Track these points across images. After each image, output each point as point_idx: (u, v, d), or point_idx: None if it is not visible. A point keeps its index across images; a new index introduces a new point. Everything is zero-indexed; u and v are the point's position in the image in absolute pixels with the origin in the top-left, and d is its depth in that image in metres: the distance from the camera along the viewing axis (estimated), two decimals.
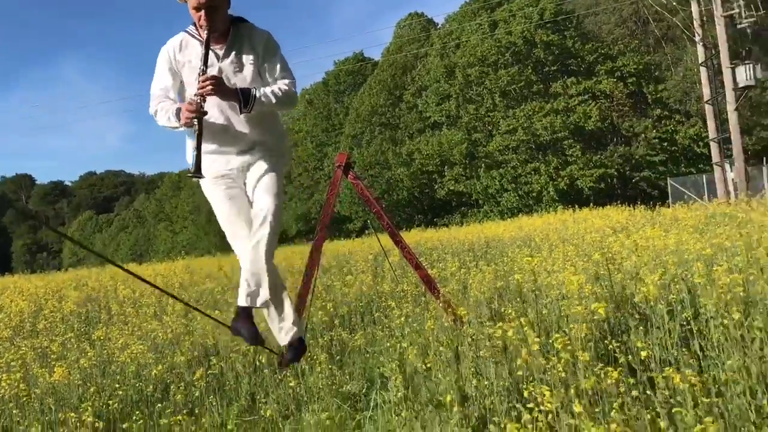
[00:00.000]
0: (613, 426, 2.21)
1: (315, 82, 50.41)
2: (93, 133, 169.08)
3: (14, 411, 4.93)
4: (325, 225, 6.68)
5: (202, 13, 3.21)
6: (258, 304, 3.37)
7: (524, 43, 36.51)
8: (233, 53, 3.37)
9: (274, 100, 3.29)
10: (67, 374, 5.56)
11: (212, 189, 3.47)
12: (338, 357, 6.22)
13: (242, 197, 3.45)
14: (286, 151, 3.72)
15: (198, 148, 3.21)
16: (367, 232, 35.87)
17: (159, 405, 4.96)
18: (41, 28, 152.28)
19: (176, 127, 3.33)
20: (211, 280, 11.39)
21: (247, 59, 3.37)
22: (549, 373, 2.76)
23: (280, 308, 3.51)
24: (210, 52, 3.30)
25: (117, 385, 5.67)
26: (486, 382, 3.18)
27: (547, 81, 37.04)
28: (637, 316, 3.66)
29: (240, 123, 3.38)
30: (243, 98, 3.22)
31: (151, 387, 5.56)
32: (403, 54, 41.85)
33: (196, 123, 3.19)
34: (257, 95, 3.25)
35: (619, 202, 23.02)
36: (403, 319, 6.33)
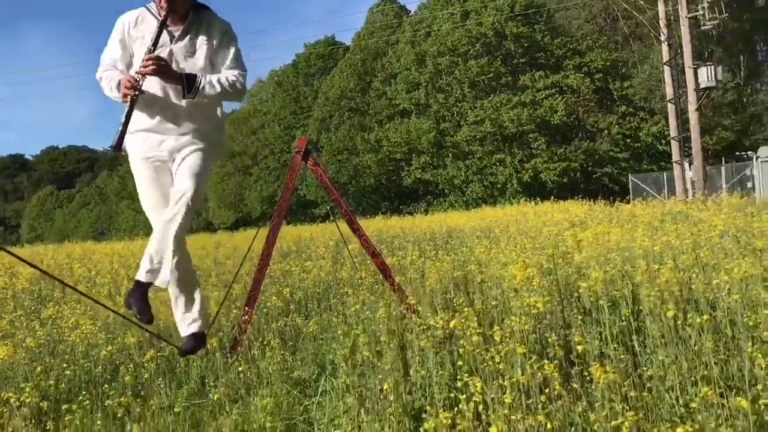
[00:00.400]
0: (540, 418, 2.29)
1: (285, 64, 50.02)
2: (56, 107, 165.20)
3: None
4: (283, 210, 6.67)
5: None
6: (156, 282, 3.31)
7: (494, 35, 36.67)
8: (188, 37, 3.37)
9: (219, 89, 3.29)
10: (13, 353, 5.48)
11: (140, 168, 3.46)
12: (291, 343, 6.25)
13: (168, 182, 3.45)
14: (222, 142, 3.69)
15: (125, 125, 3.21)
16: (331, 218, 35.86)
17: (106, 386, 4.93)
18: None
19: (117, 98, 3.30)
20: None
21: (201, 46, 3.38)
22: (486, 364, 2.83)
23: (189, 299, 3.54)
24: (165, 33, 3.30)
25: (65, 365, 5.62)
26: (425, 372, 3.24)
27: (515, 73, 37.29)
28: (579, 311, 3.75)
29: (180, 107, 3.37)
30: (187, 84, 3.23)
31: (99, 367, 5.52)
32: (374, 40, 41.70)
33: (130, 99, 3.19)
34: (202, 83, 3.25)
35: (580, 196, 23.41)
36: (357, 306, 6.37)
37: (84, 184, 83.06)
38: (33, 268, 3.65)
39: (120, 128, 3.20)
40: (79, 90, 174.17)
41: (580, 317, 3.69)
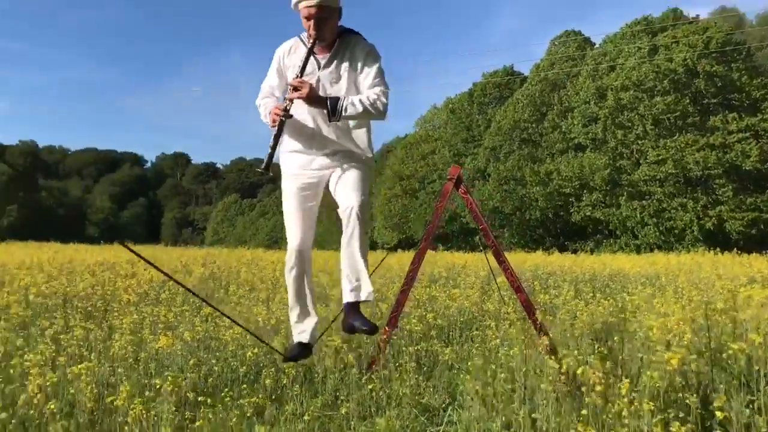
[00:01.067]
0: None
1: (461, 92, 50.48)
2: (247, 120, 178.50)
3: (119, 370, 5.35)
4: (430, 234, 6.68)
5: (312, 23, 3.37)
6: (363, 298, 3.47)
7: (685, 72, 34.53)
8: (334, 64, 3.50)
9: (360, 109, 3.36)
10: (172, 344, 5.94)
11: (289, 183, 3.65)
12: (426, 368, 6.20)
13: (312, 198, 3.61)
14: (369, 163, 3.73)
15: (273, 148, 3.39)
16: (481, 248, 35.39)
17: (245, 386, 5.17)
18: (211, 18, 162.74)
19: (268, 124, 3.49)
20: (324, 275, 11.69)
21: (346, 70, 3.49)
22: (609, 415, 2.61)
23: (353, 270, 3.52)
24: (313, 60, 3.46)
25: (214, 361, 5.99)
26: (547, 415, 3.05)
27: (705, 113, 34.80)
28: (727, 374, 3.36)
29: (327, 129, 3.52)
30: (331, 108, 3.34)
31: (244, 368, 5.81)
32: (554, 71, 40.93)
33: (279, 124, 3.37)
34: (345, 104, 3.35)
35: None
36: (497, 341, 6.21)
37: (265, 195, 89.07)
38: (152, 266, 3.93)
39: (269, 151, 3.40)
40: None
41: (727, 381, 3.30)
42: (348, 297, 3.46)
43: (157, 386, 4.68)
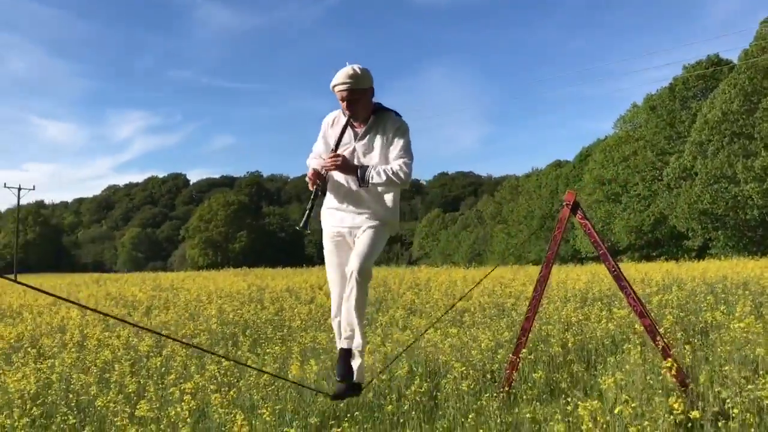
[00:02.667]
0: None
1: (660, 88, 47.34)
2: (448, 135, 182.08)
3: (255, 396, 6.22)
4: (550, 261, 6.80)
5: (345, 104, 3.97)
6: (353, 347, 4.10)
7: None
8: (368, 137, 4.06)
9: (384, 178, 3.88)
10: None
11: (326, 242, 4.25)
12: (545, 396, 6.34)
13: (345, 251, 4.15)
14: (394, 223, 4.22)
15: (310, 209, 4.00)
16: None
17: (365, 412, 5.73)
18: (411, 37, 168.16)
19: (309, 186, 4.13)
20: (489, 295, 11.93)
21: (377, 143, 4.04)
22: None
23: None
24: (351, 132, 4.07)
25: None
26: None
27: None
28: None
29: (358, 193, 4.09)
30: (360, 176, 3.91)
31: (371, 394, 6.40)
32: (765, 56, 36.99)
33: (315, 187, 4.01)
34: (371, 173, 3.89)
35: None
36: (626, 368, 6.18)
37: (466, 208, 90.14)
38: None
39: (307, 211, 4.02)
40: (470, 120, 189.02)
41: None
42: (342, 344, 4.12)
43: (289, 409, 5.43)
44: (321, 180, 4.05)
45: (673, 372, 5.77)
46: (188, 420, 5.35)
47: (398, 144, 3.98)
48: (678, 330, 8.30)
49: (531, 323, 6.89)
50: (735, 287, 12.75)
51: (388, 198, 4.13)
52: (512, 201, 67.37)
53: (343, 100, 3.96)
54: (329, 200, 4.22)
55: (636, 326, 8.55)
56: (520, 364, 6.81)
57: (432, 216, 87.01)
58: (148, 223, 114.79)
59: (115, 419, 5.47)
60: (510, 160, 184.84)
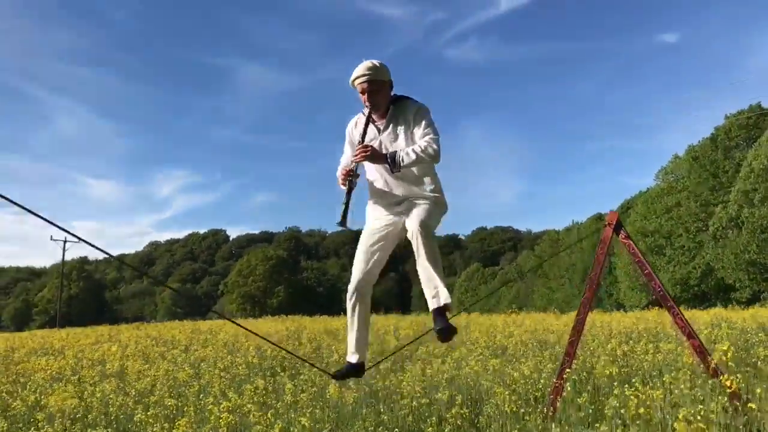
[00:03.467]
0: None
1: (702, 138, 46.81)
2: (487, 191, 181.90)
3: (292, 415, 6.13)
4: (594, 282, 6.64)
5: (365, 96, 4.02)
6: (442, 302, 3.90)
7: None
8: (391, 126, 4.08)
9: (414, 157, 3.86)
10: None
11: (368, 222, 4.23)
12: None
13: (380, 244, 4.14)
14: (441, 200, 4.18)
15: (346, 204, 3.97)
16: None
17: None
18: (449, 96, 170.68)
19: (341, 185, 4.12)
20: (532, 332, 11.71)
21: (401, 130, 4.05)
22: None
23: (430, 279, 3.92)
24: (374, 127, 4.11)
25: (382, 409, 6.53)
26: None
27: None
28: None
29: (396, 183, 4.10)
30: (391, 161, 3.89)
31: (410, 417, 6.27)
32: None
33: (348, 183, 4.00)
34: (401, 156, 3.88)
35: None
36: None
37: (506, 262, 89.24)
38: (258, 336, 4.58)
39: (343, 207, 4.01)
40: (509, 174, 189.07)
41: None
42: (431, 304, 3.92)
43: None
44: (352, 175, 4.05)
45: (727, 384, 5.53)
46: None
47: (421, 124, 3.98)
48: (729, 361, 7.98)
49: (575, 347, 6.69)
50: None
51: (427, 180, 4.12)
52: (553, 254, 66.50)
53: (363, 92, 4.02)
54: (372, 198, 4.25)
55: (684, 359, 8.28)
56: (565, 391, 6.62)
57: (471, 270, 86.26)
58: (188, 279, 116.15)
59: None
60: (549, 215, 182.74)
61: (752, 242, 35.74)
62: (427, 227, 3.88)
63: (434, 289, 3.90)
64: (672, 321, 6.28)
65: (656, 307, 34.02)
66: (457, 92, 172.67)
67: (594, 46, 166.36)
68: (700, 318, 15.64)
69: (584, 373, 7.62)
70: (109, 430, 5.96)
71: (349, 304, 4.24)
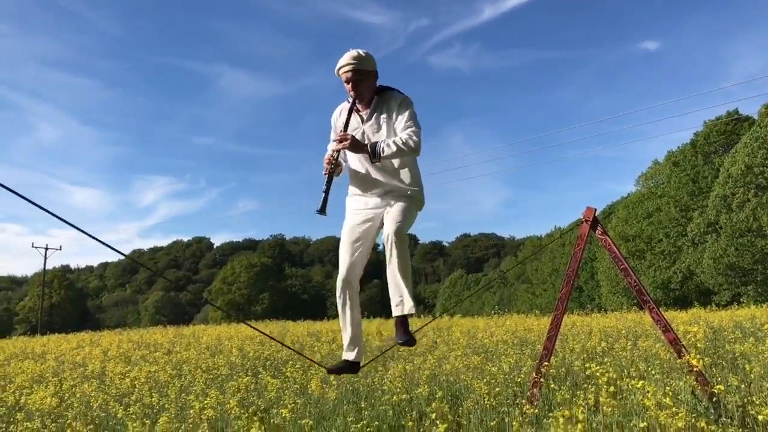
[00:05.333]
0: None
1: (683, 144, 47.40)
2: (469, 197, 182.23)
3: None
4: (570, 279, 6.76)
5: (350, 85, 4.06)
6: (405, 312, 3.97)
7: None
8: (374, 117, 4.13)
9: (395, 148, 3.90)
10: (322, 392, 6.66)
11: (347, 217, 4.25)
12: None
13: (363, 236, 4.17)
14: (419, 197, 4.22)
15: (326, 192, 4.00)
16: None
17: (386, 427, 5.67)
18: (433, 103, 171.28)
19: (323, 173, 4.15)
20: (512, 333, 11.81)
21: (384, 120, 4.09)
22: None
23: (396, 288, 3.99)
24: (358, 117, 4.14)
25: (362, 405, 6.58)
26: None
27: None
28: None
29: (376, 173, 4.13)
30: (371, 151, 3.93)
31: (391, 412, 6.33)
32: None
33: (328, 171, 4.04)
34: (382, 147, 3.92)
35: None
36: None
37: (489, 269, 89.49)
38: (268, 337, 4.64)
39: (323, 195, 4.05)
40: (492, 181, 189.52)
41: None
42: (395, 311, 3.98)
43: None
44: (334, 164, 4.08)
45: (697, 367, 5.65)
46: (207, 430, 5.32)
47: (404, 116, 4.02)
48: (704, 357, 8.12)
49: (554, 342, 6.80)
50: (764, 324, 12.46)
51: (405, 173, 4.16)
52: (536, 260, 66.80)
53: (348, 81, 4.05)
54: (351, 188, 4.28)
55: (662, 354, 8.42)
56: (543, 385, 6.72)
57: (455, 277, 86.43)
58: (171, 287, 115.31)
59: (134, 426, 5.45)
60: (531, 222, 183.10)
61: (731, 246, 36.18)
62: (401, 235, 3.92)
63: (399, 297, 3.97)
64: (649, 314, 6.39)
65: (636, 308, 34.35)
66: (440, 99, 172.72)
67: (575, 53, 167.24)
68: (678, 318, 15.84)
69: (563, 369, 7.73)
70: (90, 426, 5.95)
71: (339, 301, 4.26)
